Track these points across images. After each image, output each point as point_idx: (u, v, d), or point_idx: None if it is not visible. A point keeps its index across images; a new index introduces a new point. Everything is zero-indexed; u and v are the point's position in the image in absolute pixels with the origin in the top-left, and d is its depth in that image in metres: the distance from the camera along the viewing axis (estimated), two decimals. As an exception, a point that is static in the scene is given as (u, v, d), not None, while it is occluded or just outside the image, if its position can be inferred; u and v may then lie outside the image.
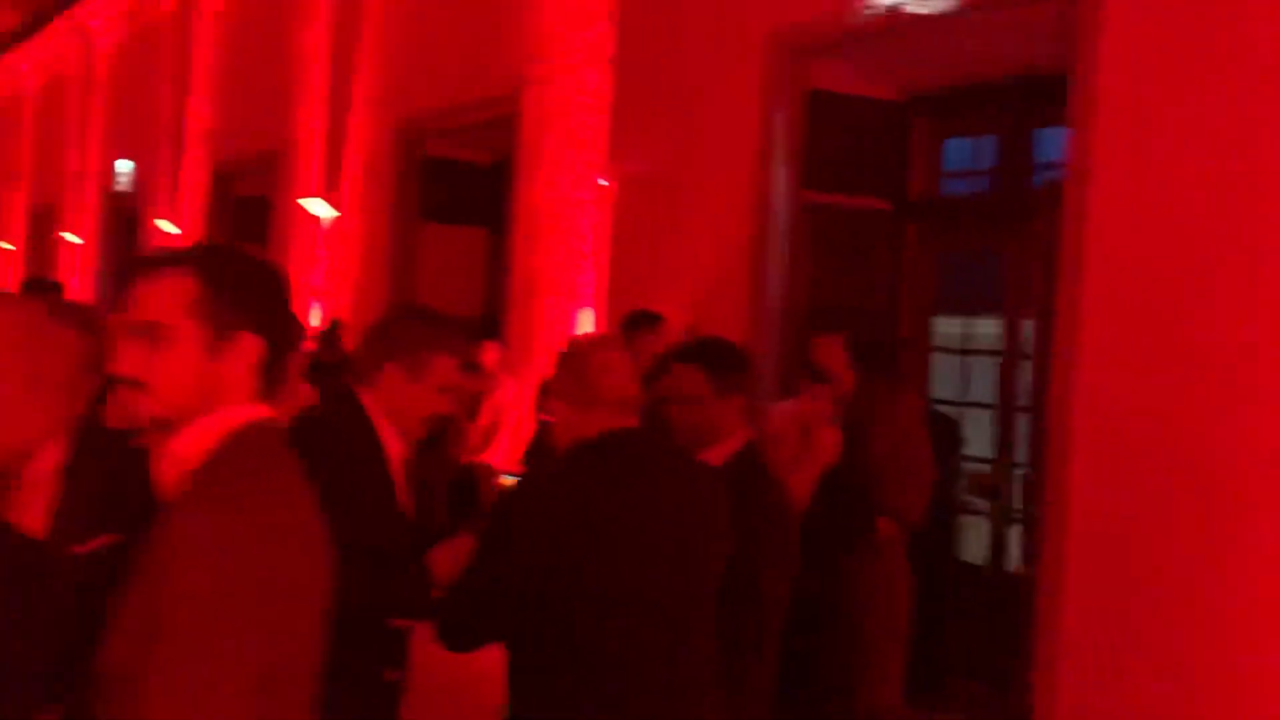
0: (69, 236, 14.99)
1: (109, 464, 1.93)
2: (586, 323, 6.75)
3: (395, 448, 2.48)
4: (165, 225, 12.18)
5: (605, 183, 6.65)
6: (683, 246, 6.11)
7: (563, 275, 6.96)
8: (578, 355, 2.32)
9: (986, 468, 5.65)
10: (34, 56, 16.69)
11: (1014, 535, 5.39)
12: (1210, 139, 3.95)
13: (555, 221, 7.06)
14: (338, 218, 9.40)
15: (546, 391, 3.95)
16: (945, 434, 5.17)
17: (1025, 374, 5.34)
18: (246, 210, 11.29)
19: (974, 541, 5.66)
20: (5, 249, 17.36)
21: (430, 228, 8.90)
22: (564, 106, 7.01)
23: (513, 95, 7.37)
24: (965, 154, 6.11)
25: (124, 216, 13.80)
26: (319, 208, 9.41)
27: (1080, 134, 4.36)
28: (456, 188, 8.88)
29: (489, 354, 7.15)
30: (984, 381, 5.84)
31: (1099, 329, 4.27)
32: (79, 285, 14.16)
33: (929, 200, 6.06)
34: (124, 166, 13.80)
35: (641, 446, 2.27)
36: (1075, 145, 4.42)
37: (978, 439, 5.75)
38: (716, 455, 2.51)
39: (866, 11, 5.12)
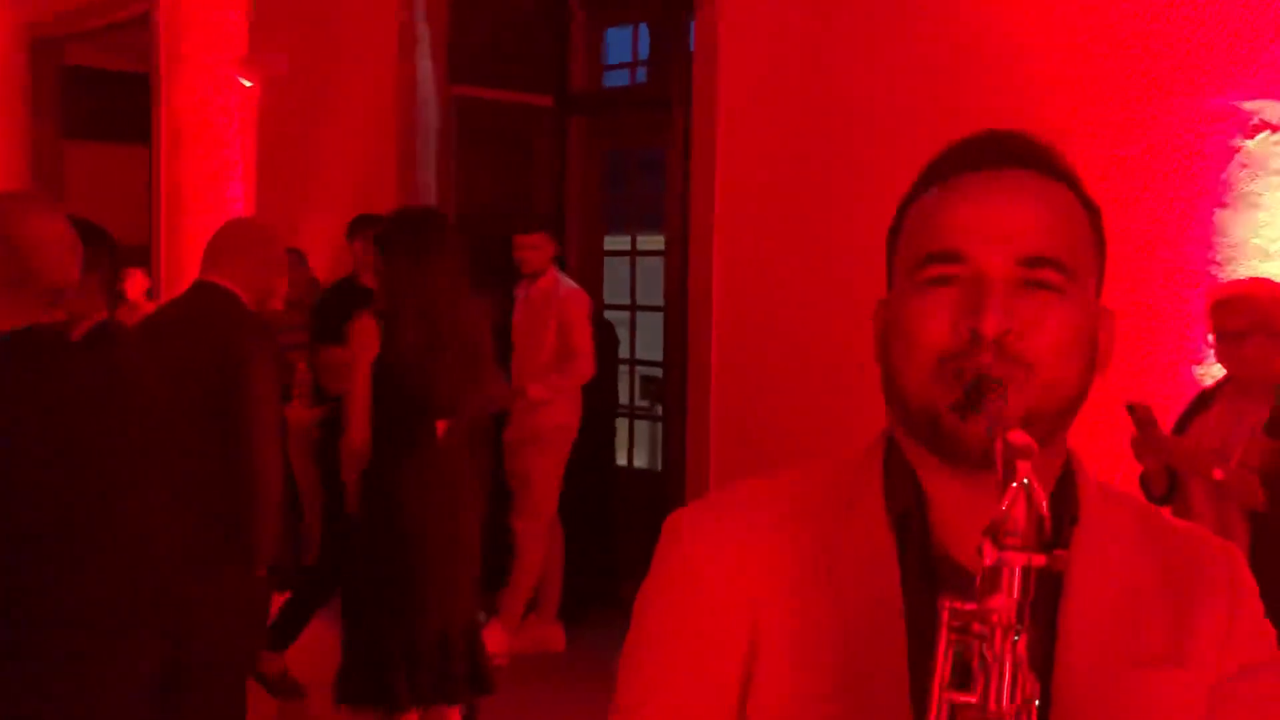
0: None
1: None
2: (238, 241, 6.16)
3: None
4: None
5: (248, 84, 6.03)
6: (329, 149, 5.61)
7: (211, 189, 6.32)
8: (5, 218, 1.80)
9: (658, 371, 5.49)
10: None
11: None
12: (833, 32, 3.80)
13: (200, 131, 6.39)
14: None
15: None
16: (604, 338, 4.94)
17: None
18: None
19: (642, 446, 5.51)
20: None
21: (78, 146, 7.98)
22: (201, 4, 6.31)
23: (148, -8, 6.60)
24: (625, 45, 5.83)
25: None
26: (-52, 128, 8.28)
27: (707, 21, 4.15)
28: (105, 100, 7.97)
29: (133, 282, 6.45)
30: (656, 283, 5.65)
31: (729, 230, 4.12)
32: None
33: (591, 94, 5.75)
34: None
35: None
36: (703, 32, 4.21)
37: (652, 343, 5.57)
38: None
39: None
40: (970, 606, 0.69)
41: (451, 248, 2.76)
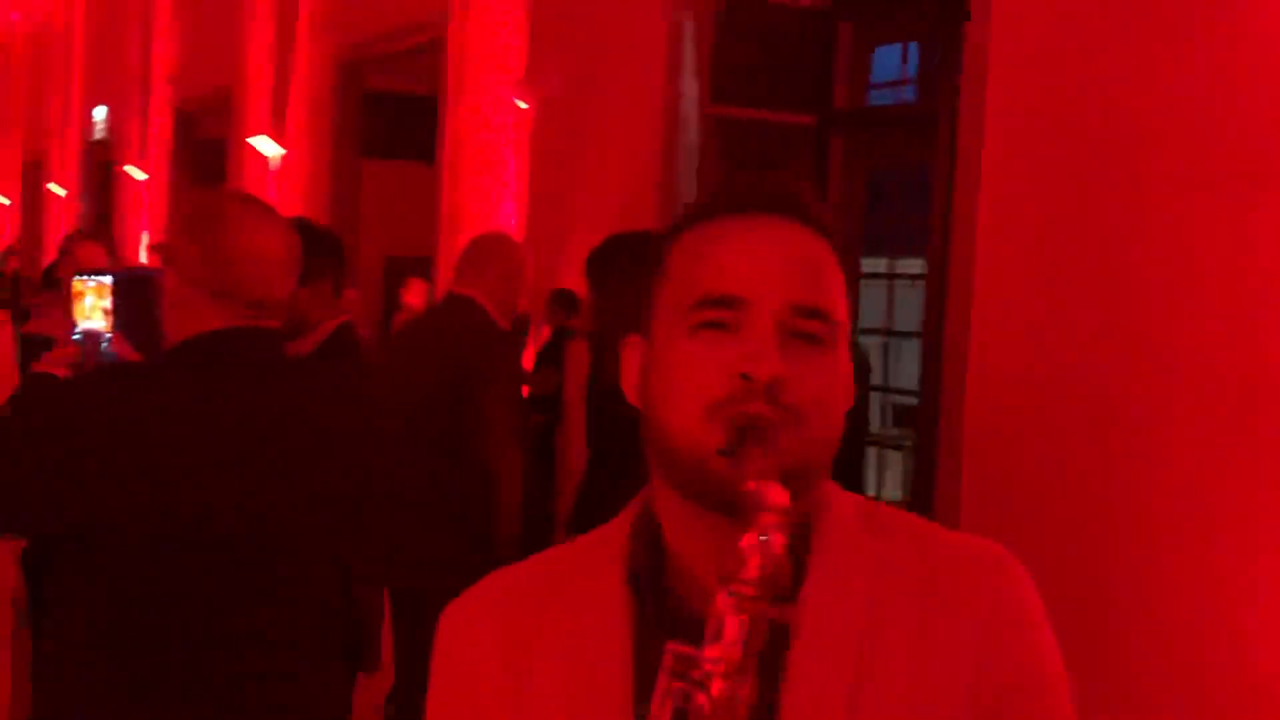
0: (55, 188, 14.87)
1: None
2: (508, 255, 6.46)
3: None
4: (134, 172, 11.99)
5: (524, 105, 6.31)
6: (595, 169, 5.79)
7: (487, 207, 6.66)
8: (209, 220, 1.67)
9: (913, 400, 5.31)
10: (21, 5, 16.52)
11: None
12: (1109, 43, 3.56)
13: (479, 151, 6.75)
14: (285, 155, 9.13)
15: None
16: (854, 364, 4.82)
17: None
18: (207, 152, 11.06)
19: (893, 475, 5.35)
20: (2, 203, 17.33)
21: (374, 164, 8.62)
22: (486, 28, 6.67)
23: (440, 19, 7.04)
24: (894, 64, 5.69)
25: (102, 166, 13.64)
26: (266, 146, 9.14)
27: (978, 38, 3.98)
28: (398, 122, 8.57)
29: (414, 291, 6.92)
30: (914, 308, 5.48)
31: (993, 252, 3.93)
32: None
33: (853, 112, 5.65)
34: (100, 115, 13.63)
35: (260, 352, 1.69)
36: (974, 49, 4.04)
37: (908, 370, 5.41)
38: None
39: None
40: (691, 651, 0.70)
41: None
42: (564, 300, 5.69)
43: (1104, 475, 3.36)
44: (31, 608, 2.68)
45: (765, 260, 0.83)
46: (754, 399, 0.79)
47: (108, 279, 2.12)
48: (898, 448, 5.54)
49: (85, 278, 2.13)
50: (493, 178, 6.65)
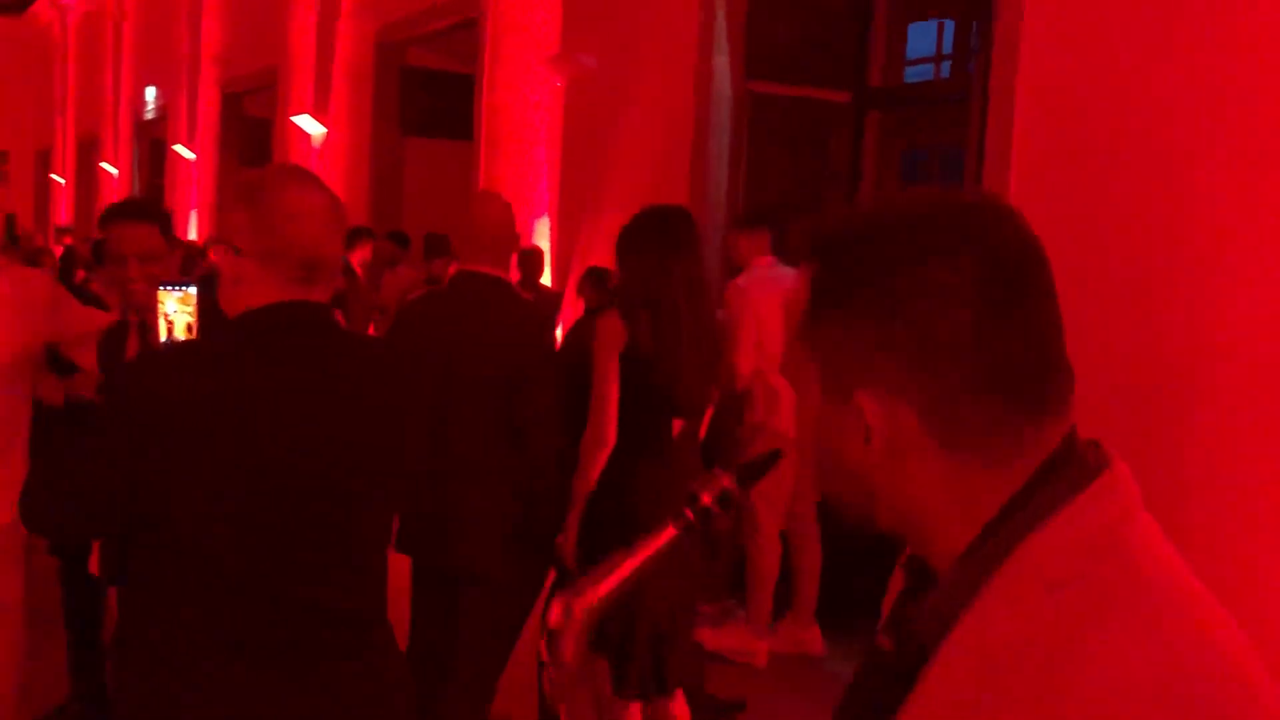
0: (107, 167, 15.12)
1: None
2: (543, 233, 6.48)
3: None
4: (183, 151, 12.17)
5: (558, 83, 6.32)
6: (627, 145, 5.78)
7: (522, 182, 6.68)
8: (261, 189, 1.65)
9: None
10: (73, -12, 16.80)
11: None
12: (1140, 21, 3.50)
13: (515, 128, 6.77)
14: (327, 134, 9.22)
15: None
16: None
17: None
18: (253, 131, 11.19)
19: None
20: (57, 181, 17.65)
21: (415, 141, 8.67)
22: (521, 5, 6.68)
23: (477, -3, 7.07)
24: (929, 40, 5.63)
25: (152, 145, 13.85)
26: (310, 124, 9.24)
27: (1011, 15, 3.93)
28: (439, 99, 8.62)
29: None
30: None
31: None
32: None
33: (889, 90, 5.60)
34: (151, 95, 13.83)
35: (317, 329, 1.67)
36: (1005, 26, 3.99)
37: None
38: None
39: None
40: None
41: (691, 247, 2.76)
42: (597, 277, 5.71)
43: (1135, 462, 3.32)
44: (109, 582, 2.73)
45: None
46: None
47: (192, 289, 2.08)
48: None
49: (169, 288, 2.09)
50: (528, 154, 6.67)
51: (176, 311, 2.02)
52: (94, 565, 3.05)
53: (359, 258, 6.98)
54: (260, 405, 1.57)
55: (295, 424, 1.59)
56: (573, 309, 5.96)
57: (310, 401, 1.62)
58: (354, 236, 7.03)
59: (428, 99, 8.65)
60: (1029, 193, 3.89)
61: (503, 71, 6.86)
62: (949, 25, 5.55)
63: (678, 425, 2.82)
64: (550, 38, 6.44)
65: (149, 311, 2.61)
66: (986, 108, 4.12)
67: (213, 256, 6.76)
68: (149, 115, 13.92)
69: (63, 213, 17.19)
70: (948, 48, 5.60)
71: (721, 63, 5.31)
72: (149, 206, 2.61)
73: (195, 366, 1.60)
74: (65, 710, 3.52)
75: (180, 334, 2.00)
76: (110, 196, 14.90)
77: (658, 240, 2.76)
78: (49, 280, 2.83)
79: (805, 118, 5.48)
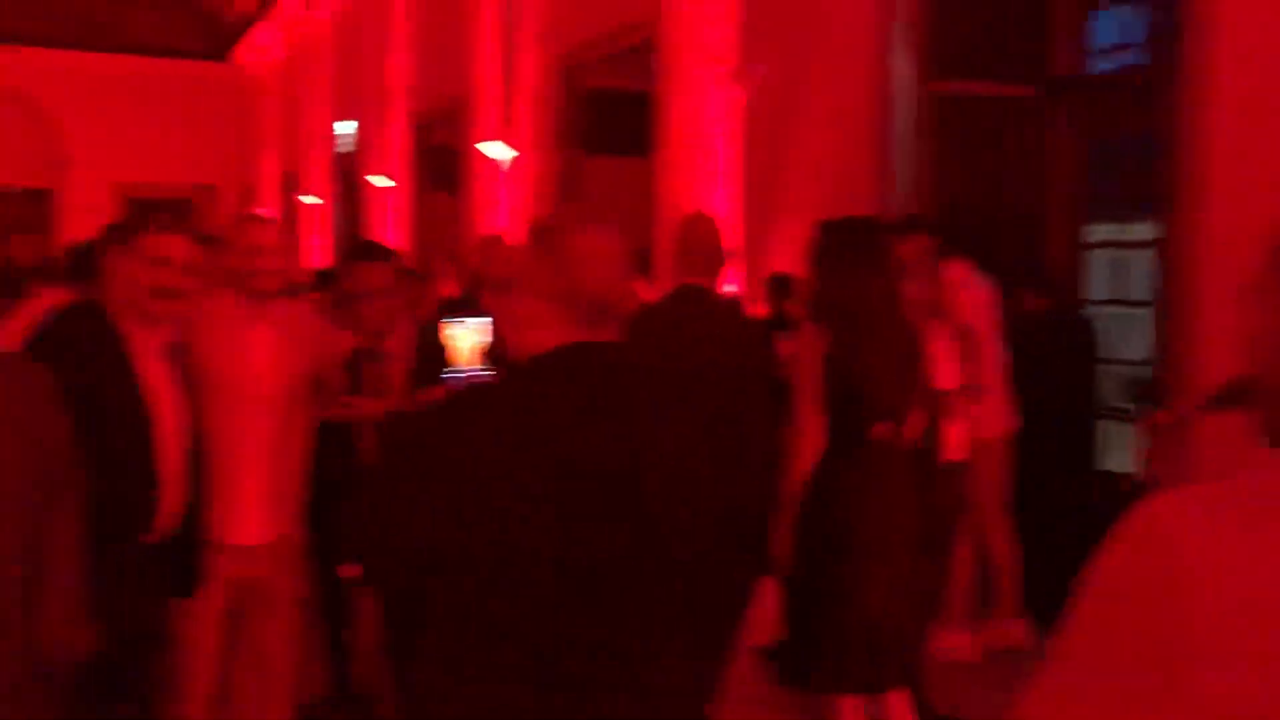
0: (307, 199, 16.09)
1: None
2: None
3: (133, 333, 2.52)
4: (378, 180, 12.86)
5: (737, 95, 6.45)
6: (806, 153, 5.86)
7: (701, 196, 6.83)
8: (555, 232, 1.65)
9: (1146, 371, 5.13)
10: (273, 32, 17.93)
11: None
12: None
13: (693, 143, 6.93)
14: (515, 159, 9.59)
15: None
16: (1080, 337, 4.72)
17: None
18: (442, 159, 11.73)
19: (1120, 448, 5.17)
20: (263, 215, 18.89)
21: (598, 161, 8.95)
22: (697, 23, 6.84)
23: (652, 17, 7.26)
24: (1114, 27, 5.49)
25: (349, 176, 14.68)
26: (497, 150, 9.64)
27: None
28: (617, 118, 8.87)
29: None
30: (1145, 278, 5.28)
31: (1227, 216, 3.78)
32: (319, 247, 15.21)
33: (1075, 80, 5.49)
34: (347, 128, 14.65)
35: (618, 368, 1.65)
36: (1199, 8, 3.89)
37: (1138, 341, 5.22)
38: None
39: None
40: None
41: (883, 254, 2.83)
42: (780, 285, 5.79)
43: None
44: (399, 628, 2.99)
45: None
46: None
47: (477, 320, 2.18)
48: (1129, 420, 5.36)
49: (456, 320, 2.19)
50: (706, 168, 6.82)
51: (461, 340, 2.16)
52: (348, 567, 3.33)
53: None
54: (564, 445, 1.55)
55: (601, 462, 1.56)
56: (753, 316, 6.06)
57: (613, 438, 1.58)
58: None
59: (606, 118, 8.92)
60: (1233, 182, 3.78)
61: (680, 88, 7.03)
62: (1136, 9, 5.40)
63: (880, 430, 2.90)
64: (727, 52, 6.57)
65: (383, 340, 2.89)
66: (1180, 94, 4.02)
67: (440, 269, 7.04)
68: (345, 148, 14.75)
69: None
70: (1135, 33, 5.45)
71: (900, 64, 5.33)
72: (381, 248, 2.89)
73: (497, 408, 1.59)
74: (324, 701, 3.83)
75: (464, 361, 2.14)
76: (311, 228, 15.85)
77: (850, 250, 2.85)
78: (316, 312, 3.15)
79: (989, 114, 5.43)
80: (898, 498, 2.88)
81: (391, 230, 12.50)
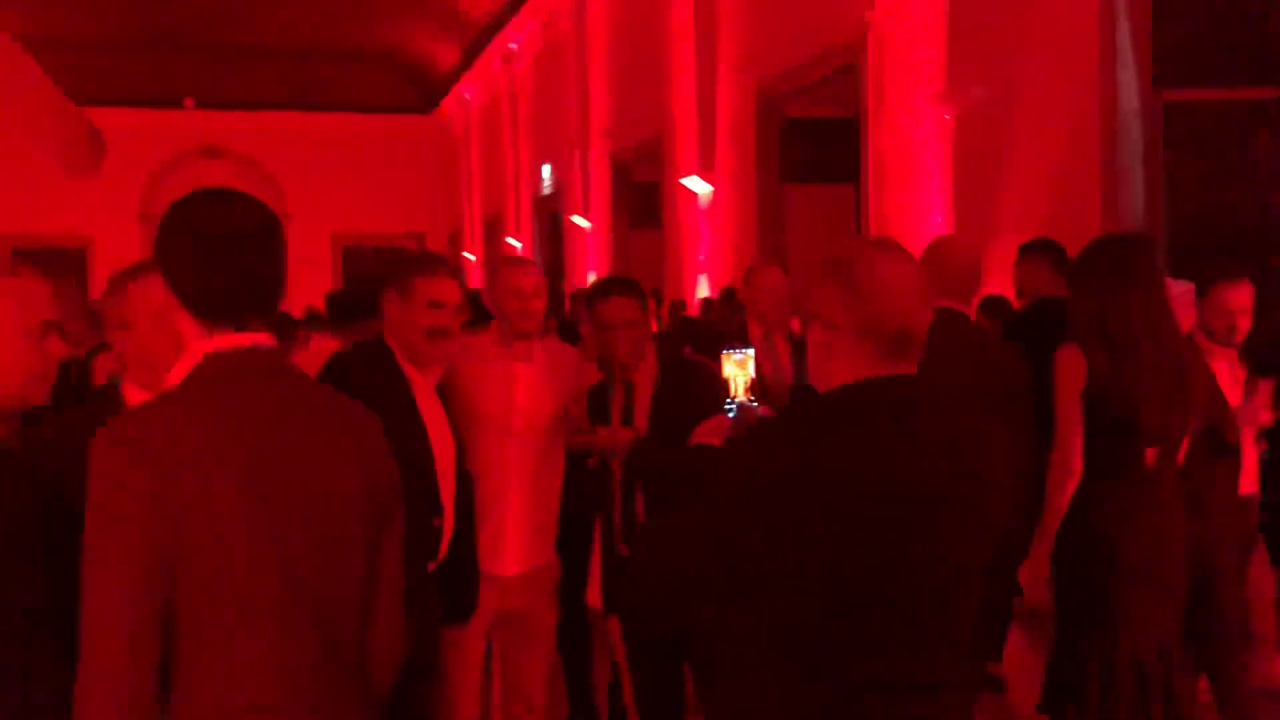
0: (512, 241, 16.67)
1: None
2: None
3: (411, 372, 2.64)
4: (579, 220, 13.20)
5: (946, 117, 6.34)
6: (1021, 171, 5.69)
7: (911, 220, 6.73)
8: (852, 263, 1.61)
9: None
10: (473, 84, 18.73)
11: None
12: None
13: (901, 166, 6.84)
14: (713, 191, 9.69)
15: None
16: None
17: None
18: (642, 196, 11.95)
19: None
20: (468, 259, 19.65)
21: (798, 189, 8.94)
22: (903, 45, 6.76)
23: (855, 42, 7.23)
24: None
25: (551, 217, 15.13)
26: (695, 184, 9.75)
27: None
28: (818, 146, 8.85)
29: None
30: None
31: None
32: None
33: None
34: (546, 172, 15.12)
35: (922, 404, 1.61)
36: None
37: None
38: None
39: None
40: None
41: (1147, 274, 2.72)
42: (995, 306, 5.64)
43: None
44: (608, 613, 3.08)
45: None
46: None
47: (750, 351, 2.20)
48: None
49: (733, 352, 2.17)
50: (916, 191, 6.71)
51: (736, 373, 2.18)
52: (592, 596, 3.41)
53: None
54: (878, 480, 1.54)
55: (905, 498, 1.54)
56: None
57: (919, 474, 1.57)
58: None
59: (805, 146, 8.91)
60: None
61: (887, 112, 6.95)
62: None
63: (1151, 453, 2.77)
64: (934, 73, 6.47)
65: (632, 372, 2.95)
66: None
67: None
68: (546, 191, 15.22)
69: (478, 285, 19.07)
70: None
71: (1126, 74, 5.13)
72: (627, 282, 2.97)
73: (801, 441, 1.57)
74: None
75: (740, 394, 2.16)
76: (515, 267, 16.36)
77: (1110, 270, 2.74)
78: (573, 349, 3.27)
79: (1225, 120, 5.16)
80: (1168, 525, 2.74)
81: (593, 269, 12.80)
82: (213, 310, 1.53)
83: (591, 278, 12.91)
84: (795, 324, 4.65)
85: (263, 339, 1.56)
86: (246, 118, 20.10)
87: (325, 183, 20.43)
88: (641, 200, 12.03)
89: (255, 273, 1.55)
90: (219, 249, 1.52)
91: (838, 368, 1.63)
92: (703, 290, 9.82)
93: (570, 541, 3.25)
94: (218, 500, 1.43)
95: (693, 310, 9.27)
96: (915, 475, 1.56)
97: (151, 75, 19.73)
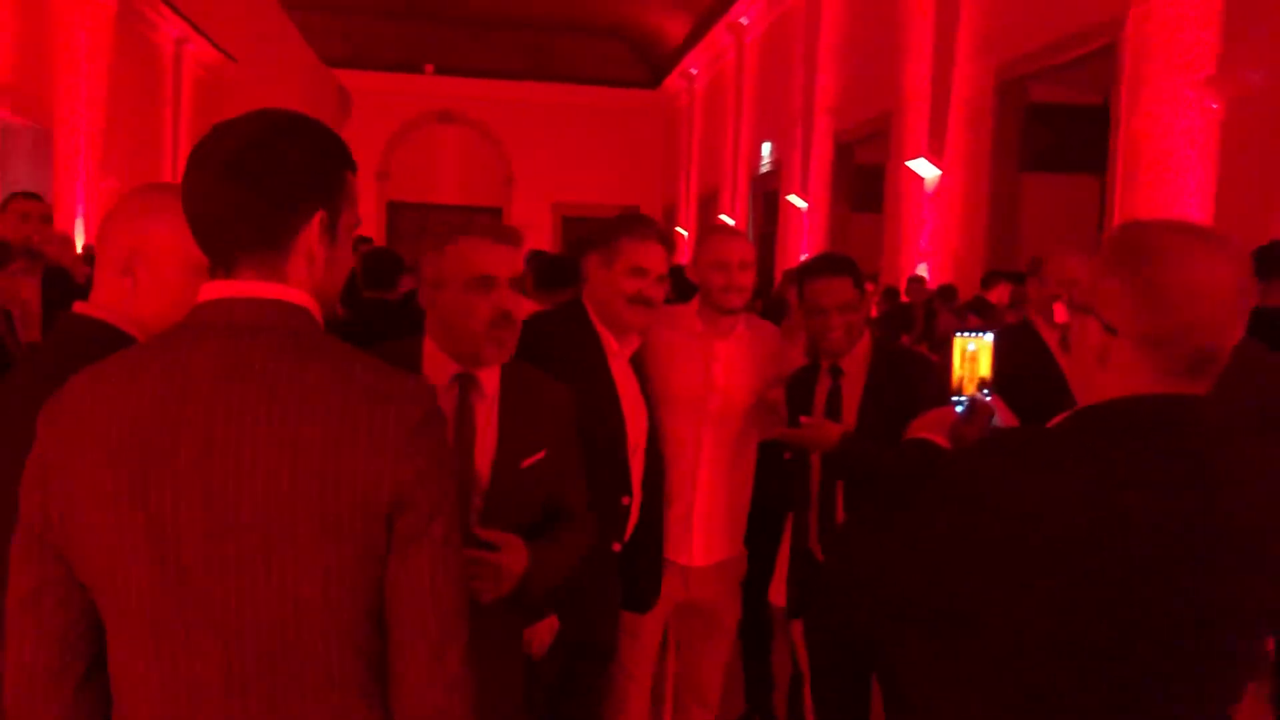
0: (724, 218, 16.50)
1: None
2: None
3: (608, 339, 2.51)
4: (795, 200, 12.89)
5: (1214, 106, 5.73)
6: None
7: (1165, 213, 6.14)
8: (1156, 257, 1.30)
9: None
10: (700, 59, 18.60)
11: None
12: None
13: (1157, 158, 6.25)
14: (941, 176, 9.22)
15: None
16: None
17: None
18: (864, 178, 11.54)
19: None
20: (680, 233, 19.62)
21: (1035, 178, 8.39)
22: (1170, 25, 6.17)
23: (1114, 22, 6.66)
24: None
25: (767, 196, 14.87)
26: (923, 168, 9.31)
27: None
28: (1062, 133, 8.26)
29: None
30: None
31: None
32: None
33: None
34: (766, 149, 14.85)
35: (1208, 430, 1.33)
36: None
37: None
38: None
39: None
40: None
41: None
42: (1263, 320, 5.08)
43: None
44: (791, 616, 2.88)
45: None
46: None
47: (987, 337, 1.84)
48: None
49: (967, 335, 1.83)
50: (1172, 186, 6.12)
51: (969, 364, 1.87)
52: (776, 594, 3.21)
53: (995, 298, 6.85)
54: (1147, 531, 1.26)
55: (1195, 555, 1.27)
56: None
57: (1211, 523, 1.29)
58: (991, 279, 6.97)
59: (1048, 133, 8.34)
60: None
61: (1145, 98, 6.38)
62: None
63: None
64: (1203, 58, 5.87)
65: (840, 358, 2.72)
66: None
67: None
68: (764, 169, 14.95)
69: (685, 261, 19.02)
70: None
71: None
72: (844, 262, 2.70)
73: (1043, 464, 1.30)
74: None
75: (969, 389, 1.86)
76: (728, 245, 16.21)
77: None
78: (775, 329, 3.04)
79: None
80: None
81: (807, 250, 12.48)
82: (204, 252, 1.25)
83: (804, 257, 12.61)
84: (1058, 309, 4.12)
85: (262, 289, 1.22)
86: (481, 85, 20.68)
87: (549, 152, 20.83)
88: (863, 182, 11.61)
89: (228, 200, 1.21)
90: (191, 179, 1.23)
91: (1110, 380, 1.34)
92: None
93: (757, 536, 3.05)
94: (84, 483, 1.19)
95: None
96: (1210, 522, 1.26)
97: (397, 41, 20.56)
